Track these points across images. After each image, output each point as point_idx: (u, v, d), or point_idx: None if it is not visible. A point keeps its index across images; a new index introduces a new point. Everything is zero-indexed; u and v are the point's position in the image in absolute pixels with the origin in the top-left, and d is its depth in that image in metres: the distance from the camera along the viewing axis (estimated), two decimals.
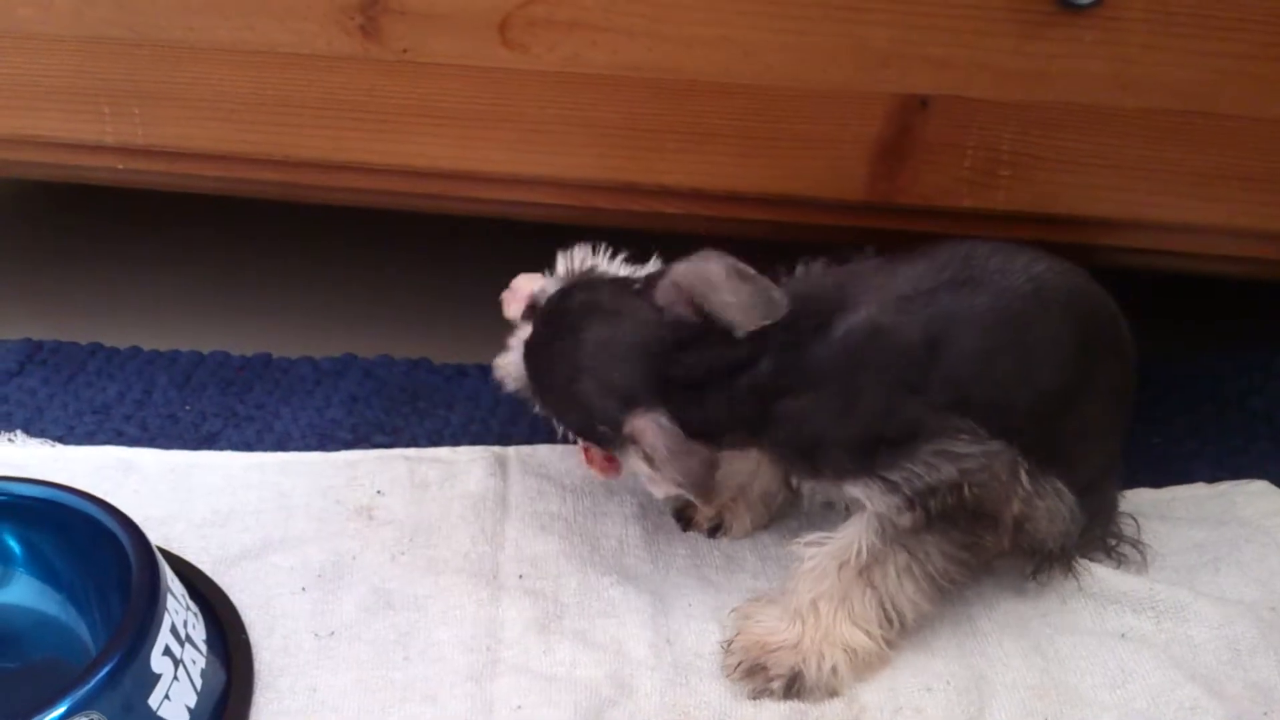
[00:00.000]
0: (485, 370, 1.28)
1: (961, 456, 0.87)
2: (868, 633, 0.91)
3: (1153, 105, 1.02)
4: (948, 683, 0.91)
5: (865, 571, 0.91)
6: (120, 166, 1.21)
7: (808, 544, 0.94)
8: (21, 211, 1.71)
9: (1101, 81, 1.01)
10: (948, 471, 0.87)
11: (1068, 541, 0.95)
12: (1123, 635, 0.95)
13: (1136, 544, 1.03)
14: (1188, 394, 1.21)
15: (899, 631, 0.92)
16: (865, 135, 1.06)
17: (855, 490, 0.89)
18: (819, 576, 0.92)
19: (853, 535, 0.91)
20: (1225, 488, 1.12)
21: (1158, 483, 1.11)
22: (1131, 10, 0.98)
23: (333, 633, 0.95)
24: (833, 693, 0.91)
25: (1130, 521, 1.03)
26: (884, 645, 0.92)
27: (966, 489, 0.87)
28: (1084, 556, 1.00)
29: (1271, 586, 1.01)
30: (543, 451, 1.15)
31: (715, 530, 1.06)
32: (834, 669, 0.91)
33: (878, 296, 0.91)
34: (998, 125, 1.05)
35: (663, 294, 0.91)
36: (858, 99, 1.05)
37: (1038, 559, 0.97)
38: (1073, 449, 0.94)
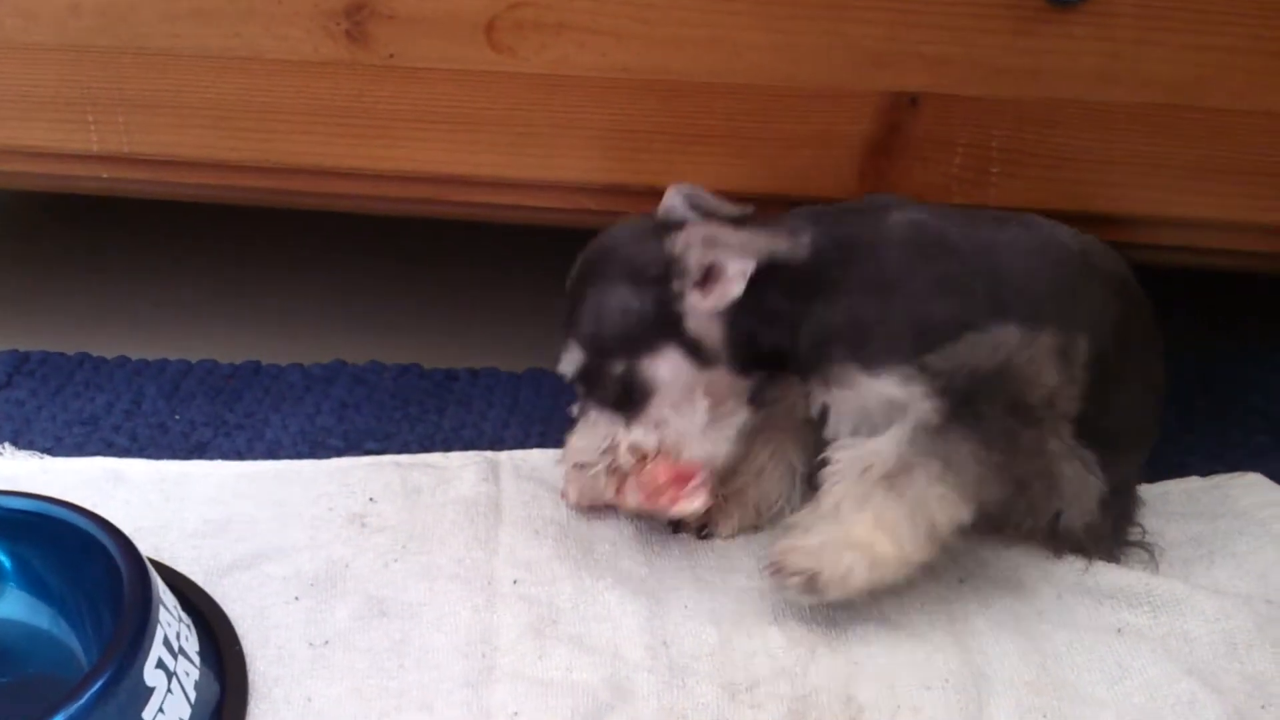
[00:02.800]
0: (476, 375, 1.28)
1: (1004, 342, 0.87)
2: (893, 538, 0.89)
3: (1143, 100, 1.02)
4: (946, 680, 0.91)
5: (891, 478, 0.89)
6: (106, 175, 1.20)
7: (836, 449, 0.93)
8: (7, 221, 1.70)
9: (1091, 77, 1.01)
10: (986, 355, 0.86)
11: (1095, 531, 0.96)
12: (1119, 630, 0.95)
13: (1144, 544, 1.03)
14: (1182, 388, 1.21)
15: (932, 538, 0.90)
16: (856, 133, 1.06)
17: (892, 386, 0.89)
18: (841, 482, 0.91)
19: (881, 443, 0.90)
20: (1219, 481, 1.12)
21: (1152, 477, 1.11)
22: (1121, 5, 0.98)
23: (327, 642, 0.94)
24: (848, 592, 0.90)
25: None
26: (909, 550, 0.89)
27: (1009, 366, 0.87)
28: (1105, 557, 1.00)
29: (1267, 579, 1.00)
30: (535, 456, 1.14)
31: (702, 530, 1.05)
32: (849, 569, 0.89)
33: (922, 209, 0.95)
34: (988, 122, 1.05)
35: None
36: (848, 97, 1.05)
37: (1064, 542, 0.98)
38: (1107, 429, 0.93)
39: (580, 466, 0.99)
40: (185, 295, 1.49)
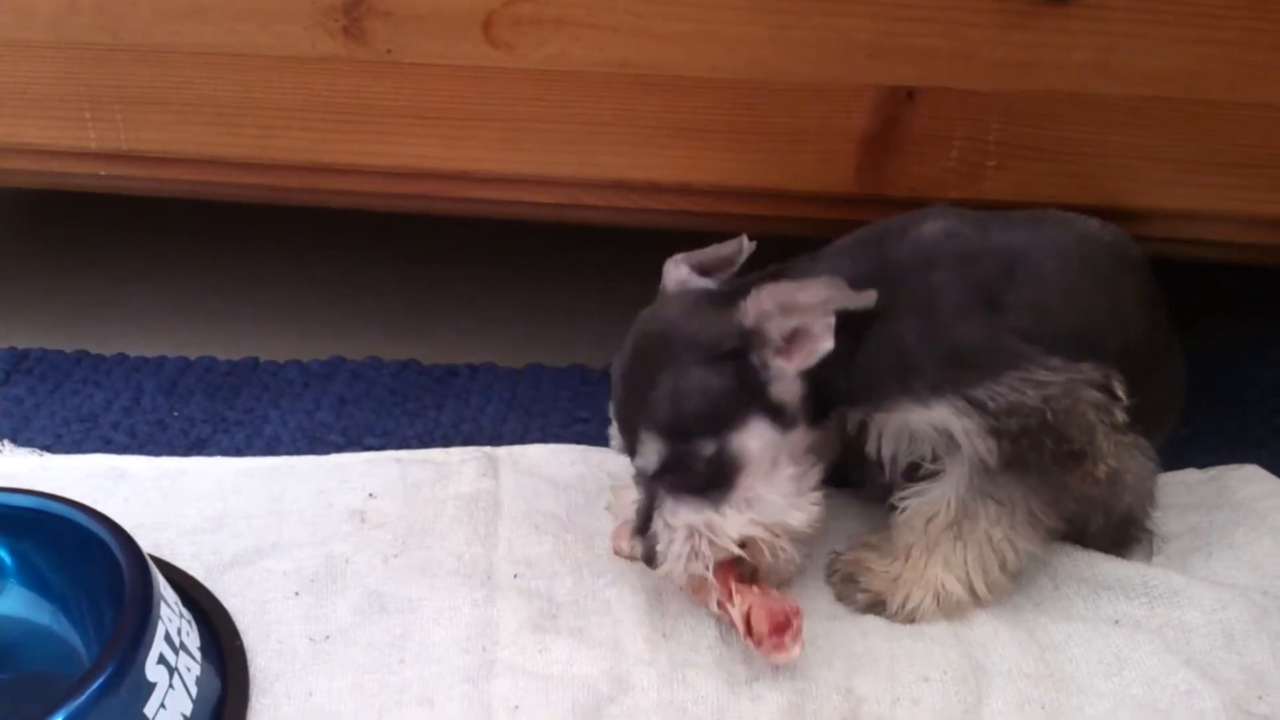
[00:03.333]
0: (474, 370, 1.29)
1: (1045, 384, 0.87)
2: (961, 579, 0.94)
3: (1137, 93, 1.02)
4: (945, 672, 0.91)
5: (954, 525, 0.93)
6: (104, 172, 1.21)
7: (901, 498, 0.96)
8: (5, 219, 1.70)
9: (1086, 70, 1.01)
10: (1031, 396, 0.87)
11: (1149, 505, 0.99)
12: (1116, 621, 0.95)
13: (1150, 533, 1.03)
14: None
15: (1004, 573, 0.95)
16: (852, 128, 1.06)
17: (943, 412, 0.89)
18: (909, 530, 0.95)
19: (940, 492, 0.93)
20: (1217, 473, 1.12)
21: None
22: None
23: (328, 637, 0.95)
24: (910, 622, 0.95)
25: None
26: (982, 591, 0.95)
27: (1049, 413, 0.87)
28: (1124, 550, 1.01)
29: (1264, 570, 1.01)
30: (534, 451, 1.15)
31: None
32: (917, 606, 0.95)
33: (956, 215, 0.94)
34: (984, 116, 1.05)
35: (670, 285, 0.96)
36: (844, 92, 1.05)
37: (1124, 528, 0.99)
38: (1144, 412, 0.93)
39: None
40: (184, 292, 1.49)
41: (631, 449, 0.92)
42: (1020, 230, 0.94)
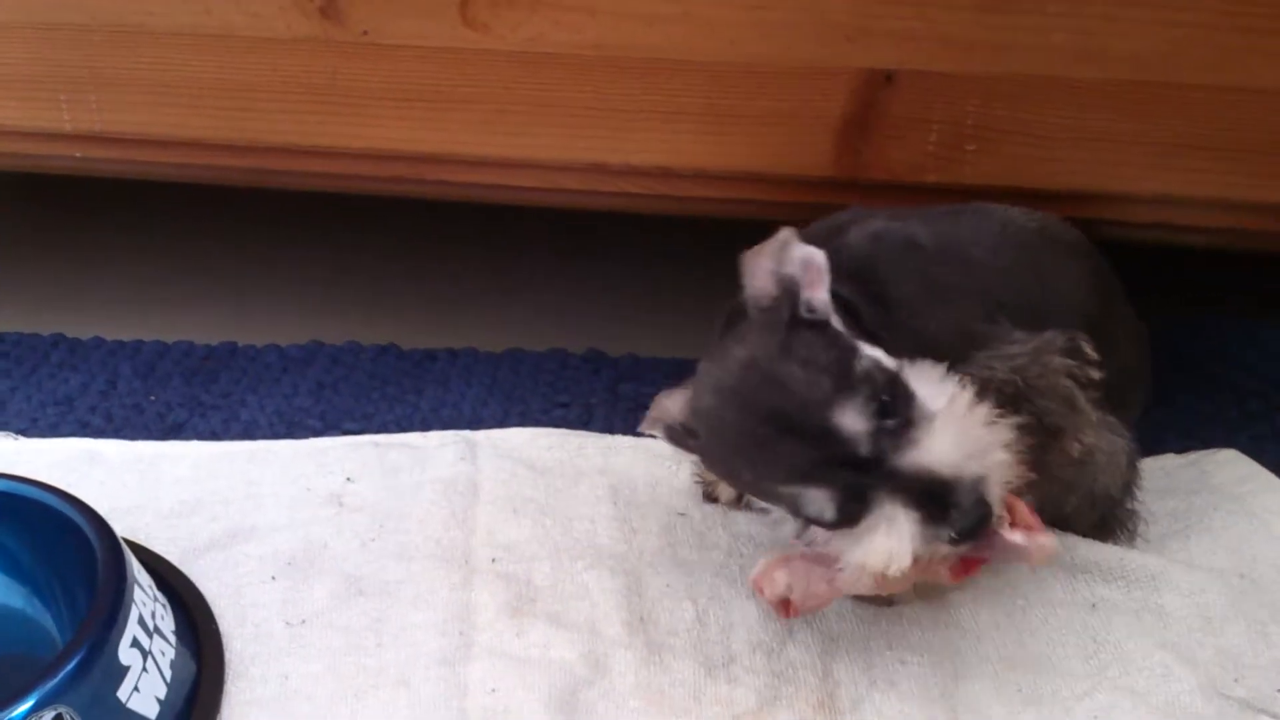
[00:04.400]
0: (454, 355, 1.28)
1: (1013, 356, 0.87)
2: None
3: (1114, 76, 1.02)
4: (921, 654, 0.92)
5: None
6: (79, 155, 1.20)
7: None
8: None
9: (1064, 53, 1.01)
10: (1000, 369, 0.86)
11: (1127, 486, 0.97)
12: (1094, 605, 0.96)
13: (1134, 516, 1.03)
14: (1157, 364, 1.21)
15: None
16: (830, 111, 1.06)
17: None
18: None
19: None
20: (1195, 457, 1.13)
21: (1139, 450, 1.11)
22: None
23: (304, 620, 0.94)
24: (887, 604, 0.95)
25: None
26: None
27: (1020, 383, 0.86)
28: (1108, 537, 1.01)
29: (1242, 553, 1.01)
30: (513, 435, 1.14)
31: (740, 498, 1.03)
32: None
33: (882, 215, 0.92)
34: (963, 99, 1.05)
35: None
36: (822, 74, 1.05)
37: (1101, 509, 0.98)
38: (1116, 389, 0.93)
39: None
40: (161, 276, 1.48)
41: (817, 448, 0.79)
42: (943, 222, 0.94)
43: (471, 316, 1.39)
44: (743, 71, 1.05)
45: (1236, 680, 0.90)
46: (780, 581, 0.84)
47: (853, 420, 0.77)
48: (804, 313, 0.80)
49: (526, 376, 1.25)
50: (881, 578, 0.80)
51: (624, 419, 1.18)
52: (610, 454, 1.12)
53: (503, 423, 1.17)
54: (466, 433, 1.15)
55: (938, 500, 0.76)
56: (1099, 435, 0.92)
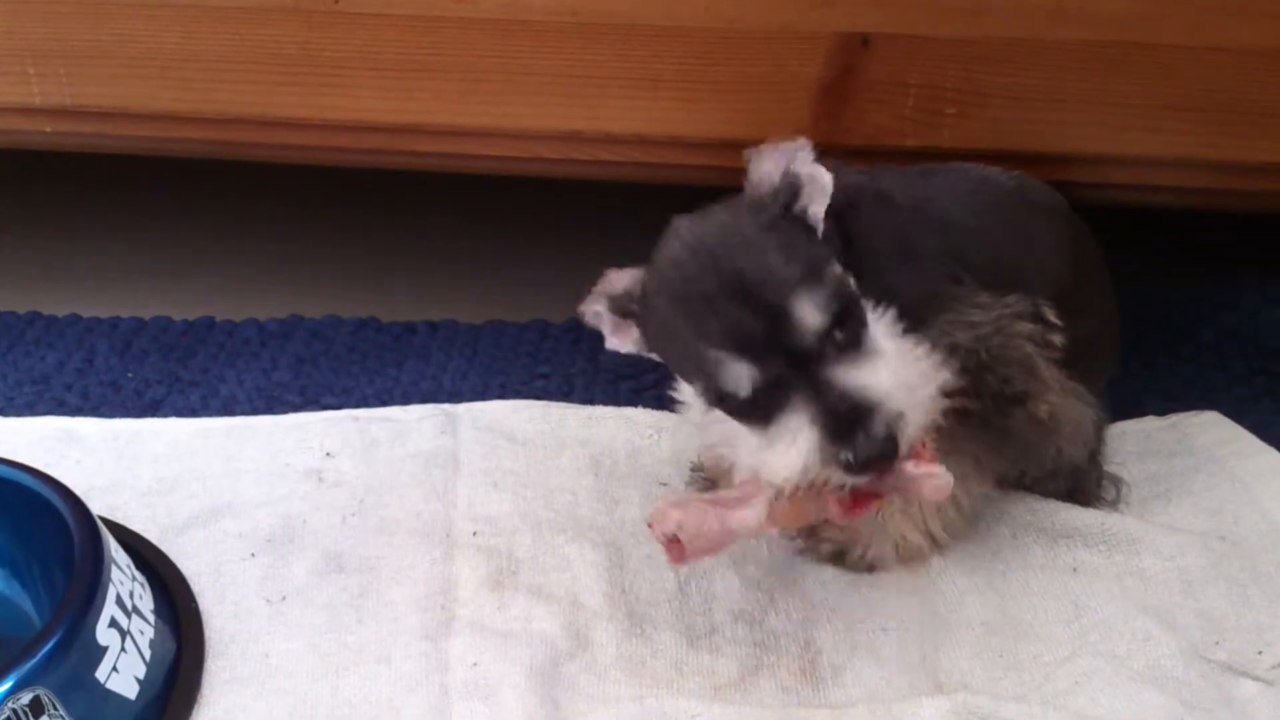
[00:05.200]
0: (434, 327, 1.27)
1: (976, 324, 0.87)
2: (920, 529, 0.95)
3: (1092, 38, 1.01)
4: (902, 622, 0.92)
5: None
6: (50, 129, 1.18)
7: None
8: None
9: (1041, 14, 1.01)
10: (963, 338, 0.86)
11: (1093, 453, 0.99)
12: (1074, 569, 0.96)
13: (1118, 481, 1.04)
14: (1137, 327, 1.21)
15: (959, 516, 0.95)
16: (807, 75, 1.05)
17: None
18: None
19: None
20: (1176, 419, 1.13)
21: (1109, 417, 1.11)
22: None
23: (284, 597, 0.94)
24: (871, 571, 0.96)
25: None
26: (942, 537, 0.95)
27: (984, 353, 0.87)
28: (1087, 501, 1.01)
29: (1222, 516, 1.01)
30: (494, 408, 1.14)
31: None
32: (878, 556, 0.95)
33: (851, 172, 0.90)
34: (941, 62, 1.04)
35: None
36: (799, 39, 1.04)
37: (1069, 480, 0.99)
38: (1075, 356, 0.92)
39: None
40: (137, 251, 1.46)
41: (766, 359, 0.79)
42: (916, 181, 0.94)
43: (451, 288, 1.38)
44: (719, 37, 1.04)
45: (1217, 643, 0.91)
46: (672, 518, 0.82)
47: (809, 312, 0.77)
48: (798, 211, 0.81)
49: (507, 348, 1.25)
50: (771, 515, 0.81)
51: (605, 389, 1.18)
52: (592, 425, 1.11)
53: (483, 395, 1.17)
54: (447, 406, 1.14)
55: (849, 423, 0.76)
56: (1065, 401, 0.92)
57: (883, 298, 0.83)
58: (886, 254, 0.87)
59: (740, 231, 0.80)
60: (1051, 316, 0.89)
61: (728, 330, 0.78)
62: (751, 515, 0.82)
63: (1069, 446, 0.96)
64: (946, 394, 0.82)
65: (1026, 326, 0.88)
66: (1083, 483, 1.01)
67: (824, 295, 0.78)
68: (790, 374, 0.77)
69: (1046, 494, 1.01)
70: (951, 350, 0.85)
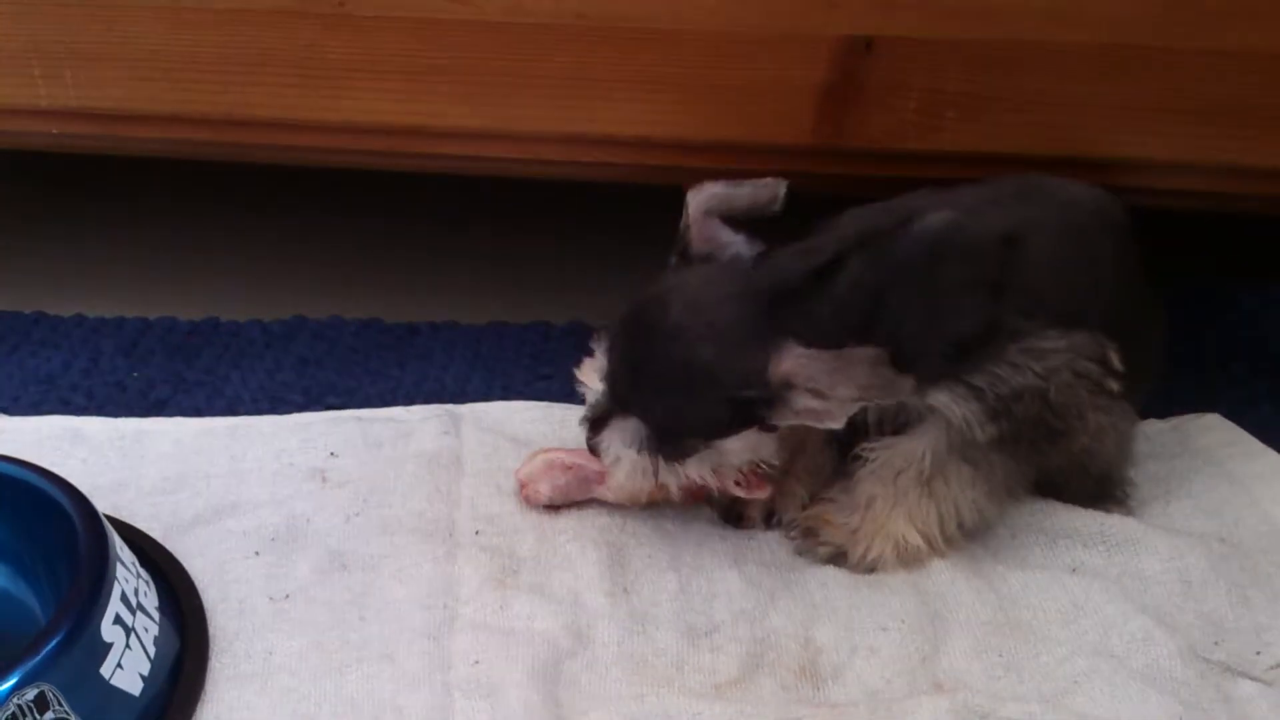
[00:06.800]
0: (437, 328, 1.28)
1: (1047, 353, 0.88)
2: (922, 532, 0.95)
3: (1093, 40, 1.01)
4: (902, 621, 0.92)
5: (926, 481, 0.93)
6: (56, 130, 1.18)
7: (868, 449, 0.95)
8: None
9: (1043, 17, 1.01)
10: (1032, 374, 0.88)
11: (1127, 463, 1.01)
12: (1074, 570, 0.96)
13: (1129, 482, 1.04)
14: None
15: (959, 531, 0.96)
16: (810, 79, 1.05)
17: (939, 398, 0.89)
18: (875, 481, 0.95)
19: (916, 447, 0.93)
20: (1178, 421, 1.13)
21: None
22: None
23: (288, 595, 0.95)
24: (871, 572, 0.96)
25: None
26: (940, 545, 0.96)
27: (1053, 391, 0.88)
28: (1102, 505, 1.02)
29: (1223, 517, 1.02)
30: (496, 409, 1.14)
31: (770, 518, 1.02)
32: (879, 557, 0.96)
33: (949, 203, 0.91)
34: (943, 65, 1.04)
35: (696, 242, 0.92)
36: (802, 42, 1.04)
37: (1100, 482, 1.00)
38: (1129, 377, 0.94)
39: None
40: (143, 252, 1.47)
41: (612, 396, 0.91)
42: (1011, 210, 0.94)
43: (454, 289, 1.39)
44: (722, 40, 1.04)
45: (1217, 644, 0.91)
46: (543, 493, 1.01)
47: (632, 427, 0.90)
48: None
49: (509, 349, 1.25)
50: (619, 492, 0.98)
51: None
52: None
53: (486, 396, 1.17)
54: (450, 406, 1.14)
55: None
56: (1112, 425, 0.95)
57: (947, 344, 0.87)
58: (966, 299, 0.89)
59: (690, 288, 0.89)
60: (1115, 361, 0.90)
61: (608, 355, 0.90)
62: (607, 493, 1.00)
63: (1108, 461, 0.98)
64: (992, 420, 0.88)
65: (1089, 366, 0.90)
66: (1109, 489, 1.02)
67: (645, 429, 0.89)
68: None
69: (1072, 499, 1.01)
70: (1018, 394, 0.88)
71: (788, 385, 0.84)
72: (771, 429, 0.89)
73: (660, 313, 0.88)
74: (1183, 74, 1.02)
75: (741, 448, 0.90)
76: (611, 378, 0.91)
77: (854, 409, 0.84)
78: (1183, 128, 1.05)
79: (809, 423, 0.86)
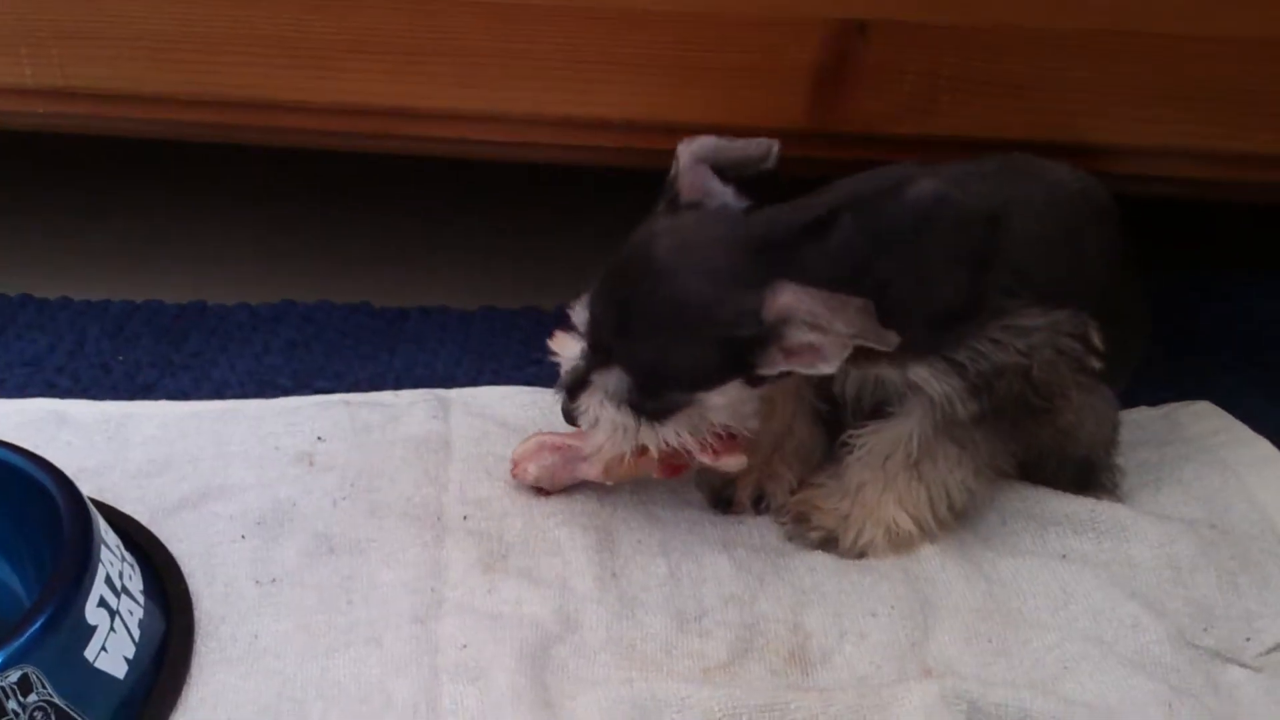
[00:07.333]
0: (427, 312, 1.27)
1: (1029, 330, 0.88)
2: (913, 515, 0.95)
3: (1090, 26, 1.01)
4: (891, 607, 0.92)
5: (914, 464, 0.93)
6: (43, 110, 1.17)
7: (856, 435, 0.96)
8: None
9: (1039, 2, 1.00)
10: (1014, 351, 0.88)
11: (1110, 449, 1.01)
12: (1064, 556, 0.96)
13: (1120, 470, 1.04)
14: None
15: (950, 513, 0.96)
16: (803, 62, 1.05)
17: (920, 372, 0.89)
18: (864, 466, 0.95)
19: (902, 430, 0.93)
20: (1168, 409, 1.13)
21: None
22: None
23: (274, 579, 0.94)
24: (861, 557, 0.96)
25: None
26: (931, 527, 0.96)
27: (1035, 368, 0.88)
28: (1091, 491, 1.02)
29: (1212, 504, 1.02)
30: (485, 393, 1.14)
31: (759, 502, 1.02)
32: (870, 542, 0.96)
33: (938, 174, 0.91)
34: (937, 49, 1.04)
35: (685, 190, 0.90)
36: (795, 25, 1.03)
37: (1083, 468, 1.00)
38: (1111, 362, 0.94)
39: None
40: (130, 234, 1.46)
41: (594, 346, 0.90)
42: (996, 186, 0.93)
43: (444, 274, 1.38)
44: (714, 22, 1.04)
45: (1206, 630, 0.91)
46: (531, 474, 1.01)
47: (617, 376, 0.89)
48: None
49: (499, 334, 1.24)
50: (605, 469, 0.97)
51: None
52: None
53: (475, 381, 1.17)
54: (439, 391, 1.14)
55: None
56: (1091, 407, 0.95)
57: (930, 315, 0.87)
58: (951, 271, 0.89)
59: (682, 230, 0.88)
60: (1096, 340, 0.90)
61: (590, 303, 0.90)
62: (592, 470, 0.98)
63: (1088, 445, 0.98)
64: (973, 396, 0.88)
65: (1071, 344, 0.90)
66: (1094, 475, 1.01)
67: (629, 378, 0.88)
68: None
69: (1055, 485, 1.01)
70: (999, 370, 0.88)
71: (784, 320, 0.83)
72: (757, 382, 0.88)
73: (650, 253, 0.87)
74: (1178, 60, 1.02)
75: (724, 404, 0.88)
76: (594, 324, 0.89)
77: (846, 352, 0.83)
78: (1178, 114, 1.04)
79: (798, 368, 0.85)
